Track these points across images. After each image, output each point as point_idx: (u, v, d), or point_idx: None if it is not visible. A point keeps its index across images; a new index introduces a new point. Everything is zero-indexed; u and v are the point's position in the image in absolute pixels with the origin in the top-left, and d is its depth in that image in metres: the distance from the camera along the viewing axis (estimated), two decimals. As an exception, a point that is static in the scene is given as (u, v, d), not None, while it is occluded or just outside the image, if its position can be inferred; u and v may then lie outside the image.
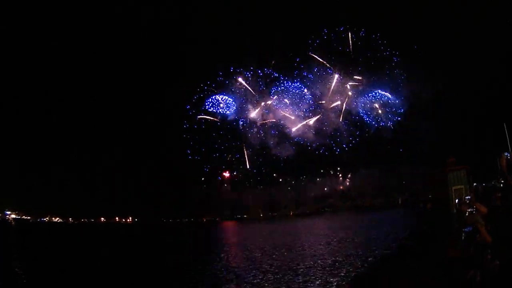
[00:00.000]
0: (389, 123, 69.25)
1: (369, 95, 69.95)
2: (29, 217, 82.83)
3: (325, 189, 73.43)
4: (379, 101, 69.33)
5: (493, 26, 51.80)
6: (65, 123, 75.35)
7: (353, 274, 14.75)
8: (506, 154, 6.21)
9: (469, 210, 6.34)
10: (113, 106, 74.78)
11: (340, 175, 74.68)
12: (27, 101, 73.90)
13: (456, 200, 7.77)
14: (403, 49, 64.66)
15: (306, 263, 18.67)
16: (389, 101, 68.81)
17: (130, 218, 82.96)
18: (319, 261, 19.01)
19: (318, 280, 14.93)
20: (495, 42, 52.00)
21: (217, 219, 77.26)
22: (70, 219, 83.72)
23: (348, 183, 73.93)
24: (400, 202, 67.08)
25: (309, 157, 72.36)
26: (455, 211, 7.70)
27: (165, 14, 73.71)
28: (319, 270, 16.82)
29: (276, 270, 17.59)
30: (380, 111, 69.49)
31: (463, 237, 5.81)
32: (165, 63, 77.75)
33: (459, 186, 10.69)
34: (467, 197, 6.75)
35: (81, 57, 73.92)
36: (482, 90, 54.78)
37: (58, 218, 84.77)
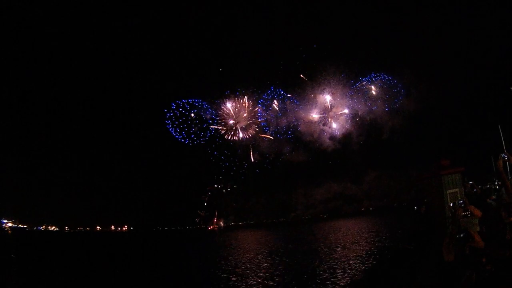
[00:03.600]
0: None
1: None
2: (25, 226, 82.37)
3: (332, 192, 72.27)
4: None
5: (490, 27, 52.27)
6: (61, 131, 75.10)
7: (352, 278, 14.72)
8: (503, 155, 6.20)
9: (463, 213, 6.32)
10: (110, 114, 74.67)
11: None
12: (23, 108, 73.70)
13: (451, 204, 7.73)
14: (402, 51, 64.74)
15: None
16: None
17: (126, 226, 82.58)
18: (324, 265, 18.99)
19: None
20: (491, 43, 52.47)
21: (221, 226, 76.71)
22: (66, 227, 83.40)
23: (356, 186, 72.80)
24: (395, 205, 66.79)
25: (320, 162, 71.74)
26: (450, 215, 7.64)
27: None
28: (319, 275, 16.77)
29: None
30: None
31: (457, 242, 5.79)
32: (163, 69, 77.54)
33: (454, 190, 10.62)
34: (460, 201, 6.70)
35: (79, 59, 73.65)
36: (477, 92, 55.19)
37: (54, 227, 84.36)
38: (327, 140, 69.86)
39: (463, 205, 6.46)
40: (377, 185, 69.04)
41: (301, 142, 70.60)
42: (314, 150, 70.58)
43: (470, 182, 11.73)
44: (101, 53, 74.37)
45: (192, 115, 68.61)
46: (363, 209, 72.16)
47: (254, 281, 17.13)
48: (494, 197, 9.24)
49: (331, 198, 71.84)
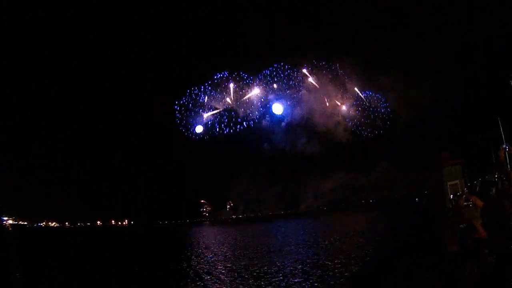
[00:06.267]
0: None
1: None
2: (26, 223, 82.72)
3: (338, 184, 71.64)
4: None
5: (490, 19, 52.01)
6: (61, 129, 74.95)
7: (353, 272, 14.74)
8: (504, 146, 6.18)
9: (465, 204, 6.32)
10: (109, 112, 74.40)
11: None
12: (23, 104, 73.39)
13: (451, 196, 7.75)
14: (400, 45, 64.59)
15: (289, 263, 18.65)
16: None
17: (126, 221, 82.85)
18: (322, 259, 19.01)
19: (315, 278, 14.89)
20: (489, 37, 52.33)
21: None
22: (67, 223, 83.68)
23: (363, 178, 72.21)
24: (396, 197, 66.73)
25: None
26: (451, 206, 7.66)
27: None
28: (316, 269, 16.81)
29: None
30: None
31: (460, 233, 5.80)
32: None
33: (454, 181, 10.66)
34: (465, 191, 6.72)
35: (78, 58, 73.20)
36: (475, 85, 55.17)
37: (54, 223, 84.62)
38: (342, 132, 69.57)
39: (464, 196, 6.47)
40: (386, 176, 68.54)
41: (315, 133, 70.18)
42: (328, 141, 70.15)
43: (474, 182, 11.76)
44: (100, 52, 73.91)
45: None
46: (363, 201, 72.26)
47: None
48: (494, 189, 9.24)
49: (339, 189, 71.41)
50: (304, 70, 68.74)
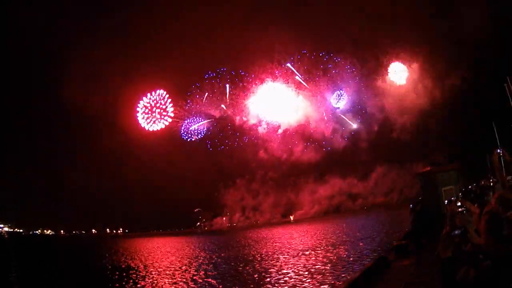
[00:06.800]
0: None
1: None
2: (21, 230, 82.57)
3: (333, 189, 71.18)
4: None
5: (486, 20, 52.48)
6: (57, 136, 74.44)
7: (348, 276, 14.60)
8: (498, 150, 6.15)
9: (459, 210, 6.23)
10: (104, 117, 73.92)
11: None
12: (21, 114, 73.15)
13: (446, 201, 7.68)
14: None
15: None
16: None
17: (121, 229, 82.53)
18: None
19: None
20: (485, 37, 52.71)
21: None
22: (62, 231, 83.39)
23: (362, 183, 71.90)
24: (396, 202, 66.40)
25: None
26: (445, 212, 7.61)
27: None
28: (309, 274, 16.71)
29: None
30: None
31: (454, 239, 5.71)
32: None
33: (449, 187, 10.62)
34: (456, 198, 6.65)
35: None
36: (471, 88, 55.57)
37: (50, 231, 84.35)
38: (339, 139, 69.38)
39: (459, 201, 6.39)
40: (382, 181, 68.24)
41: (312, 140, 69.89)
42: (325, 148, 69.90)
43: (469, 187, 11.71)
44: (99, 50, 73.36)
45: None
46: (358, 207, 71.94)
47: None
48: (490, 194, 9.21)
49: (335, 195, 70.86)
50: (294, 68, 68.70)
